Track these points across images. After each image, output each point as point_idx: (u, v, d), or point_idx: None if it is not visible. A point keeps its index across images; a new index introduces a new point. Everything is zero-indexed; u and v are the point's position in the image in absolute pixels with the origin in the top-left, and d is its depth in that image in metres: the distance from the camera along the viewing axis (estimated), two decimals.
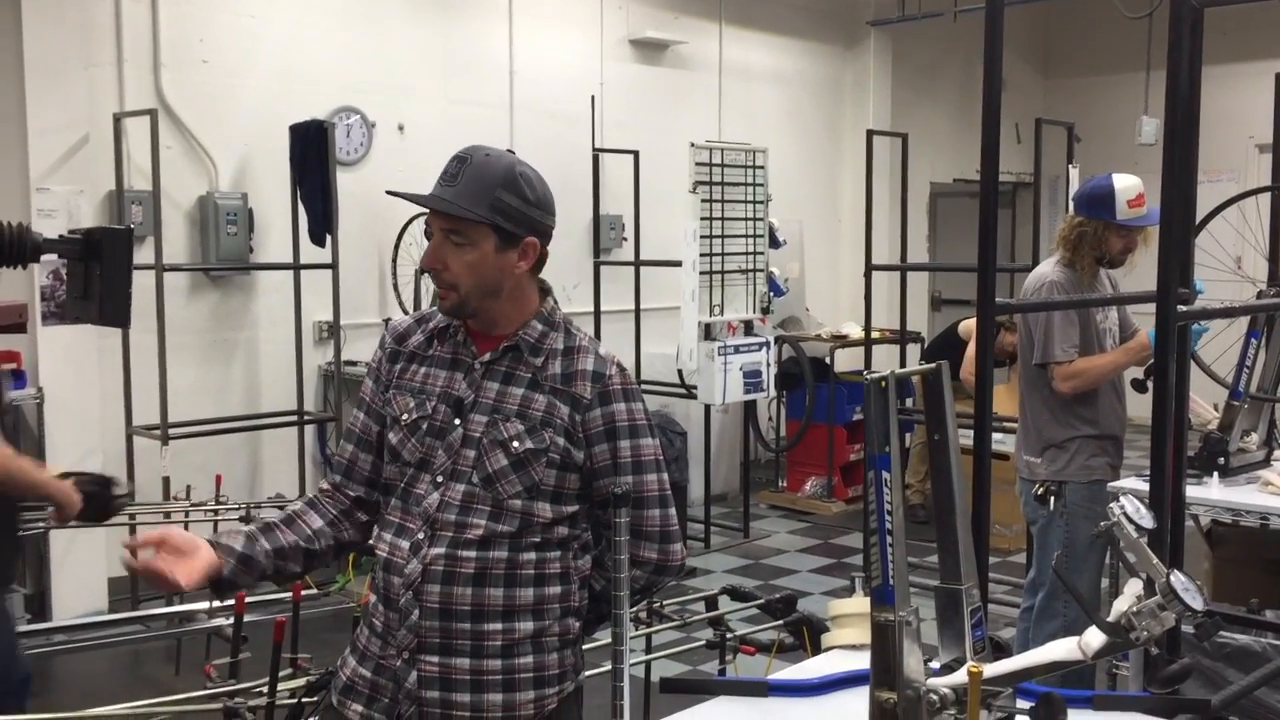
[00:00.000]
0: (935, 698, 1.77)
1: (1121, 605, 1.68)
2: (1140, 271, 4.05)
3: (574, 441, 2.06)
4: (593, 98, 7.44)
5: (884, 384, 1.82)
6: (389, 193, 2.24)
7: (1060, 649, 1.71)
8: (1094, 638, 1.69)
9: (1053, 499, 4.07)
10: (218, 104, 6.10)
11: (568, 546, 2.12)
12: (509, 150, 2.20)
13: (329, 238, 6.00)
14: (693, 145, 6.52)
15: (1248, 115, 8.74)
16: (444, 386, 2.11)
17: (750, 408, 7.65)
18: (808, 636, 3.40)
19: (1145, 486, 2.79)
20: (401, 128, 6.81)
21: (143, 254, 5.65)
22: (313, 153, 5.95)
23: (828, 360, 7.97)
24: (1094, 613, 1.70)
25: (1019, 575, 5.85)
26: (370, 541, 2.19)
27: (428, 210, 2.09)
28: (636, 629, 3.44)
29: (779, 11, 8.88)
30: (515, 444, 2.04)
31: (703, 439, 7.31)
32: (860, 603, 2.42)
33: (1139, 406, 3.17)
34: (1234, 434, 4.15)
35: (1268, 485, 4.00)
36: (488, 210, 2.01)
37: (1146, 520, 1.72)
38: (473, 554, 2.03)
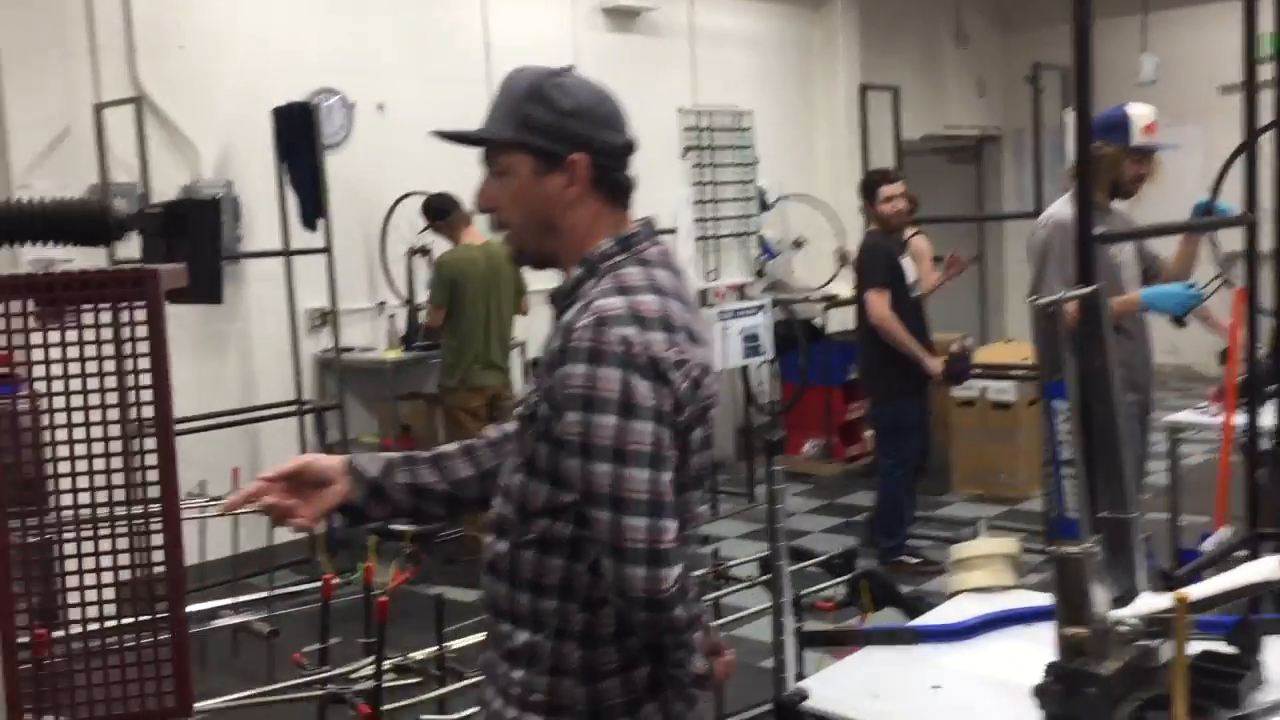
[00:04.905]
0: (1125, 629, 1.73)
1: None
2: (1148, 205, 4.09)
3: (554, 409, 1.65)
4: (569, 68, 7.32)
5: (1051, 310, 1.77)
6: (434, 133, 1.80)
7: (1264, 569, 1.68)
8: None
9: None
10: (197, 90, 5.92)
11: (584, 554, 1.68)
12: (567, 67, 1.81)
13: (321, 221, 5.85)
14: (680, 110, 6.45)
15: (1209, 58, 8.83)
16: None
17: (744, 373, 7.61)
18: (868, 592, 3.37)
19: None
20: (381, 107, 6.65)
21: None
22: (298, 135, 5.79)
23: (818, 322, 7.95)
24: None
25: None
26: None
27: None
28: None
29: None
30: (520, 407, 1.75)
31: None
32: (989, 544, 2.39)
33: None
34: None
35: None
36: (515, 129, 1.70)
37: None
38: (491, 539, 1.76)
